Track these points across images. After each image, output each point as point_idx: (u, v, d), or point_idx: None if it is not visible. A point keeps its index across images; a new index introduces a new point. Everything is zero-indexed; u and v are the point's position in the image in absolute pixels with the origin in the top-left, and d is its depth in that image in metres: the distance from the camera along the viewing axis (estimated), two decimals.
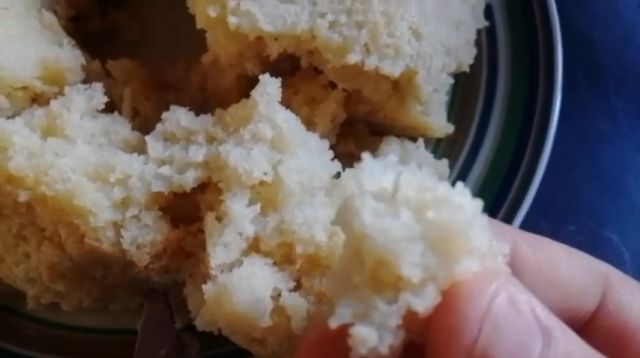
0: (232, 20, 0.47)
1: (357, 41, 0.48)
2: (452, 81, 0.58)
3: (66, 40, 0.59)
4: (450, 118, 0.65)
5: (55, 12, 0.65)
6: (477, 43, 0.65)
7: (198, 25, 0.50)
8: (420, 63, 0.52)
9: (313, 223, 0.45)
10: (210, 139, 0.47)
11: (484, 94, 0.66)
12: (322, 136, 0.57)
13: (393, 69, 0.49)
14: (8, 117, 0.53)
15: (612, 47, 0.79)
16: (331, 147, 0.57)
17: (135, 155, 0.47)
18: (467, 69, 0.61)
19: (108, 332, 0.57)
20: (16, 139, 0.45)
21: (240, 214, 0.43)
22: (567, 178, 0.72)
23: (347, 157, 0.61)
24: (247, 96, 0.58)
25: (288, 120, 0.46)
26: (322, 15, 0.48)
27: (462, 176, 0.63)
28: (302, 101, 0.56)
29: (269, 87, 0.46)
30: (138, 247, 0.46)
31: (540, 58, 0.66)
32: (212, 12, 0.48)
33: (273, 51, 0.49)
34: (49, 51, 0.54)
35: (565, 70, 0.67)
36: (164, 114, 0.49)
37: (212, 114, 0.51)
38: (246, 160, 0.44)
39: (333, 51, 0.48)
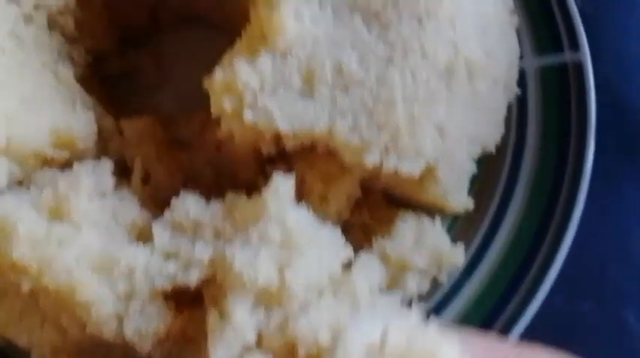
0: (248, 116, 0.46)
1: (377, 143, 0.46)
2: (475, 168, 0.56)
3: (79, 99, 0.58)
4: (470, 191, 0.62)
5: (73, 59, 0.64)
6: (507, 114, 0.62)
7: (213, 114, 0.48)
8: (441, 158, 0.50)
9: (317, 327, 0.43)
10: (218, 235, 0.46)
11: (509, 168, 0.63)
12: (336, 213, 0.55)
13: (413, 169, 0.48)
14: (18, 182, 0.53)
15: None
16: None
17: (140, 246, 0.46)
18: (492, 150, 0.59)
19: None
20: (21, 228, 0.44)
21: (242, 320, 0.42)
22: (589, 253, 0.69)
23: (360, 229, 0.60)
24: (264, 161, 0.57)
25: (298, 221, 0.45)
26: (342, 115, 0.46)
27: (479, 254, 0.61)
28: (317, 176, 0.55)
29: (281, 187, 0.45)
30: (140, 336, 0.46)
31: (572, 132, 0.63)
32: (228, 105, 0.46)
33: (289, 144, 0.48)
34: (61, 118, 0.53)
35: (596, 137, 0.64)
36: (173, 202, 0.48)
37: (225, 195, 0.50)
38: (252, 266, 0.43)
39: (351, 151, 0.47)
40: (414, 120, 0.46)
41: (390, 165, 0.47)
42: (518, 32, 0.67)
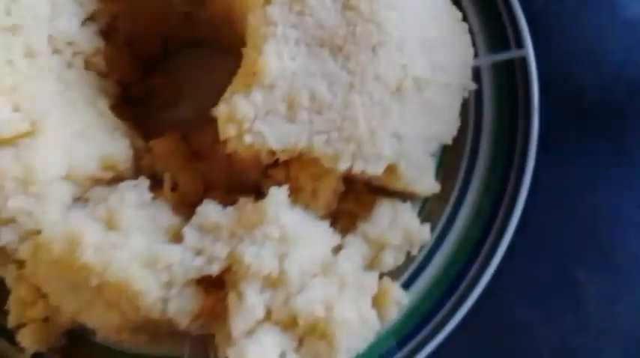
0: (247, 139, 0.59)
1: (347, 152, 0.60)
2: (434, 163, 0.69)
3: (117, 128, 0.72)
4: (436, 176, 0.75)
5: (106, 91, 0.78)
6: (464, 108, 0.74)
7: (221, 138, 0.62)
8: (400, 156, 0.63)
9: (312, 302, 0.58)
10: (232, 235, 0.60)
11: (469, 153, 0.76)
12: (326, 205, 0.69)
13: (376, 169, 0.61)
14: (75, 199, 0.68)
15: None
16: None
17: (175, 245, 0.61)
18: (449, 142, 0.72)
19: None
20: (87, 238, 0.59)
21: (253, 301, 0.57)
22: (543, 220, 0.81)
23: (347, 214, 0.74)
24: (266, 166, 0.71)
25: (292, 221, 0.59)
26: (318, 132, 0.60)
27: (445, 229, 0.74)
28: (308, 176, 0.68)
29: (277, 197, 0.59)
30: (180, 315, 0.61)
31: (520, 116, 0.76)
32: (231, 131, 0.60)
33: (282, 157, 0.62)
34: (105, 146, 0.68)
35: (552, 115, 0.77)
36: (198, 209, 0.62)
37: (237, 196, 0.65)
38: (258, 259, 0.57)
39: (327, 160, 0.60)
40: (373, 132, 0.60)
41: (358, 168, 0.60)
42: (473, 34, 0.79)
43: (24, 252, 0.64)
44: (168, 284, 0.60)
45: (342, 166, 0.60)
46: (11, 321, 0.71)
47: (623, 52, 0.88)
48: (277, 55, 0.60)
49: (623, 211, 0.83)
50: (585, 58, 0.88)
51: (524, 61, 0.77)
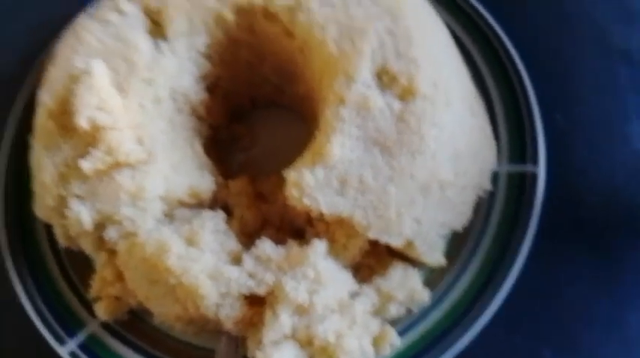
0: (305, 201, 0.79)
1: (377, 226, 0.79)
2: (444, 243, 0.88)
3: (205, 165, 0.93)
4: (445, 253, 0.94)
5: (201, 133, 1.00)
6: (477, 203, 0.93)
7: (286, 195, 0.82)
8: (417, 236, 0.82)
9: (327, 331, 0.78)
10: (279, 268, 0.80)
11: (473, 242, 0.95)
12: (352, 257, 0.89)
13: (397, 243, 0.80)
14: (165, 215, 0.89)
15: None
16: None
17: (236, 267, 0.81)
18: (460, 230, 0.91)
19: (199, 348, 0.93)
20: (173, 248, 0.80)
21: (284, 321, 0.77)
22: (525, 301, 0.98)
23: (367, 268, 0.93)
24: (312, 218, 0.91)
25: (326, 268, 0.79)
26: (359, 208, 0.79)
27: (443, 295, 0.93)
28: (343, 233, 0.87)
29: (318, 247, 0.79)
30: (227, 318, 0.81)
31: (519, 225, 0.94)
32: (295, 193, 0.80)
33: (328, 218, 0.81)
34: (195, 180, 0.89)
35: (548, 224, 0.95)
36: (257, 242, 0.82)
37: (287, 242, 0.85)
38: (295, 291, 0.77)
39: (361, 228, 0.79)
40: (400, 216, 0.79)
41: (383, 240, 0.80)
42: (500, 143, 0.98)
43: (121, 246, 0.85)
44: (225, 295, 0.80)
45: (371, 235, 0.80)
46: (92, 293, 0.92)
47: (625, 179, 1.02)
48: (341, 145, 0.80)
49: (592, 309, 0.98)
50: (591, 178, 1.04)
51: (535, 176, 0.94)
